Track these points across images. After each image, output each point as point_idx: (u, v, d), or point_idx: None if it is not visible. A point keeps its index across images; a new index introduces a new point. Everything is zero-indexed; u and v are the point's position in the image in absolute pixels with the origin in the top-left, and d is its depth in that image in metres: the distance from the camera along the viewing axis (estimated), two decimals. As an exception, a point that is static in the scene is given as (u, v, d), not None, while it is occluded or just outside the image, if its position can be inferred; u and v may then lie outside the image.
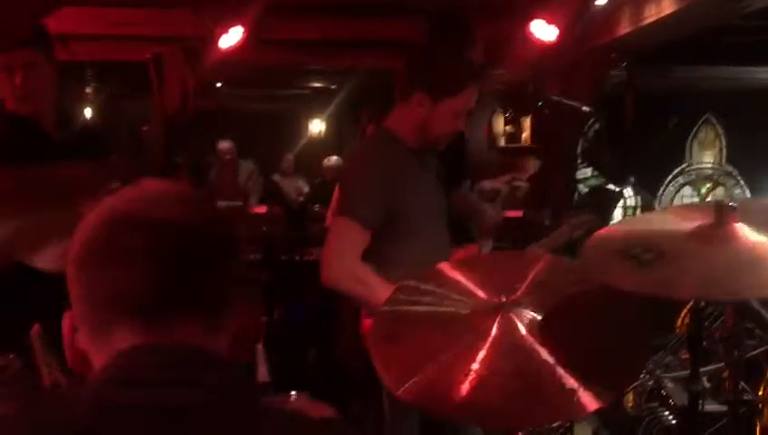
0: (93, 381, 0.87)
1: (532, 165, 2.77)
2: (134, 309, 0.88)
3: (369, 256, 2.26)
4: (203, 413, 0.84)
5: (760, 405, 2.40)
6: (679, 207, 6.67)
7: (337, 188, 2.82)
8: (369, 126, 4.85)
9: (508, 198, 2.80)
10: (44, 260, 1.80)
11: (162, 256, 0.88)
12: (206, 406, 0.84)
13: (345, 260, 2.21)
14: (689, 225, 1.71)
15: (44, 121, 2.47)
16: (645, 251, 1.62)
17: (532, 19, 4.88)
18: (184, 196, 0.95)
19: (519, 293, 1.68)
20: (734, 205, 1.65)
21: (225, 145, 7.33)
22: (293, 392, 2.35)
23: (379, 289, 2.08)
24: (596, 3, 4.72)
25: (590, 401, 1.41)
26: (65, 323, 0.96)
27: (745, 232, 1.61)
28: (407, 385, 1.51)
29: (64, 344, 0.97)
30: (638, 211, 5.84)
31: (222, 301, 0.93)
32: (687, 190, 7.42)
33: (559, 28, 4.85)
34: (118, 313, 0.89)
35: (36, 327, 1.79)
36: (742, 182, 7.31)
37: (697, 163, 7.41)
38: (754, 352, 2.52)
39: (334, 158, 7.95)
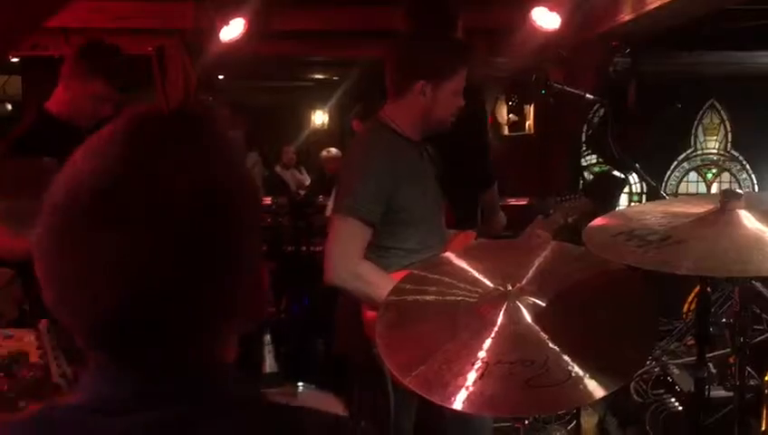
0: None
1: (585, 204, 2.71)
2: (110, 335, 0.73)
3: (368, 248, 2.25)
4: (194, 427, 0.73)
5: (766, 391, 2.40)
6: (685, 196, 6.66)
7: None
8: (355, 122, 4.83)
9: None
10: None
11: (141, 264, 0.70)
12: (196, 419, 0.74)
13: (348, 260, 2.19)
14: (694, 211, 1.72)
15: (79, 120, 2.72)
16: (650, 233, 1.63)
17: (534, 7, 4.86)
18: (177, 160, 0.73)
19: (525, 281, 1.68)
20: (740, 192, 1.67)
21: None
22: (300, 384, 2.35)
23: (383, 285, 2.08)
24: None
25: (596, 389, 1.41)
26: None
27: (750, 219, 1.63)
28: (414, 373, 1.51)
29: None
30: (644, 197, 5.84)
31: (234, 289, 0.76)
32: (693, 176, 7.41)
33: (561, 15, 4.83)
34: (92, 335, 0.75)
35: (44, 322, 1.80)
36: (747, 167, 7.29)
37: (702, 149, 7.38)
38: (761, 338, 2.53)
39: (333, 150, 7.83)
